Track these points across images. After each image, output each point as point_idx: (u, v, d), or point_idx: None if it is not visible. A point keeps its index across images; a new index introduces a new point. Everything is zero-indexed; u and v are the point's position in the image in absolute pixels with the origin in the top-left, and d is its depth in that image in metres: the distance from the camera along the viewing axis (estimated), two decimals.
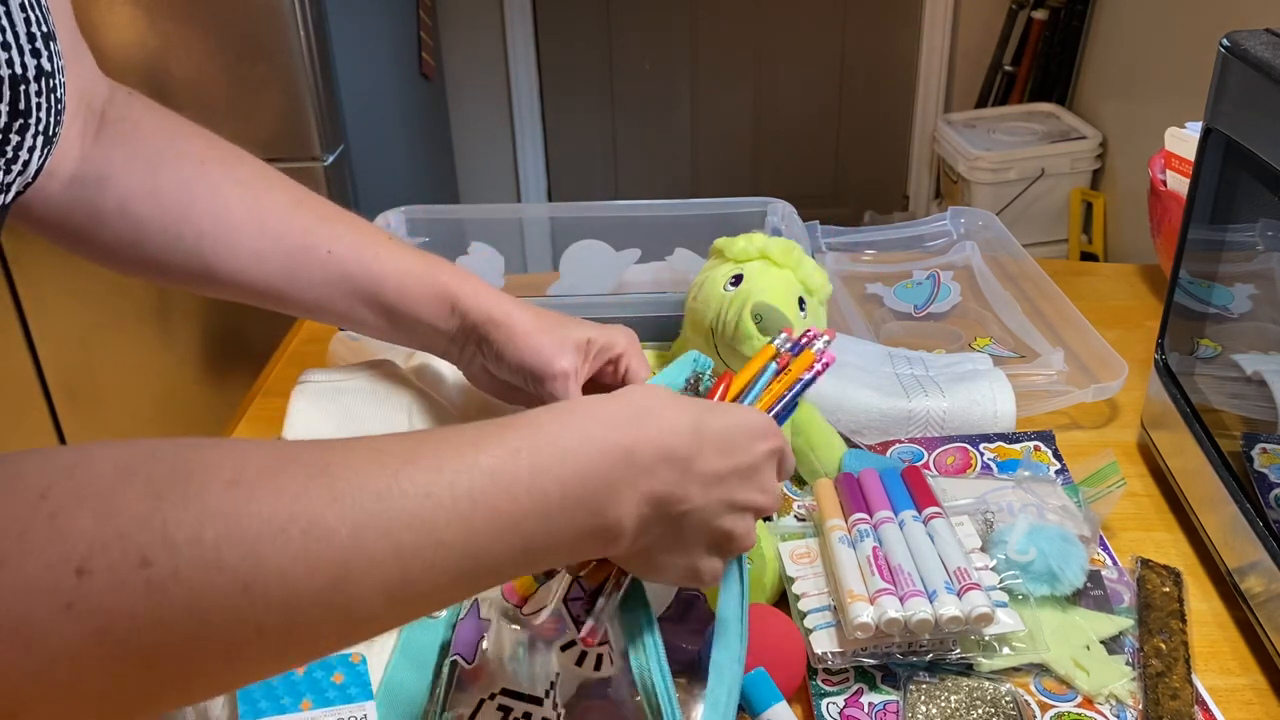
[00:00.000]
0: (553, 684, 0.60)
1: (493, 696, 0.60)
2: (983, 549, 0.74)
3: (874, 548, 0.71)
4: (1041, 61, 2.52)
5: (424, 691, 0.63)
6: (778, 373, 0.62)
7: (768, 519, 0.58)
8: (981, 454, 0.88)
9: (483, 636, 0.62)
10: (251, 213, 0.65)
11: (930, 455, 0.88)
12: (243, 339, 1.92)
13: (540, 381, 0.68)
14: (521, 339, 0.67)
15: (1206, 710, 0.67)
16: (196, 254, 0.64)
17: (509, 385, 0.71)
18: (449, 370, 0.85)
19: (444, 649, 0.65)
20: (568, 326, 0.70)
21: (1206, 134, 0.79)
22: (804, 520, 0.81)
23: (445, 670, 0.62)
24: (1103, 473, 0.81)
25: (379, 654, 0.64)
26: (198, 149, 0.66)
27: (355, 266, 0.67)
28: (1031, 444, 0.89)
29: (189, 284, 0.67)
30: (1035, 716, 0.66)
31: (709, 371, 0.63)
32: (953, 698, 0.66)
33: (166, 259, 0.65)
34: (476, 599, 0.64)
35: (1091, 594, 0.74)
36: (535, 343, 0.67)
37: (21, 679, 0.32)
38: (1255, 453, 0.74)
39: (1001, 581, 0.72)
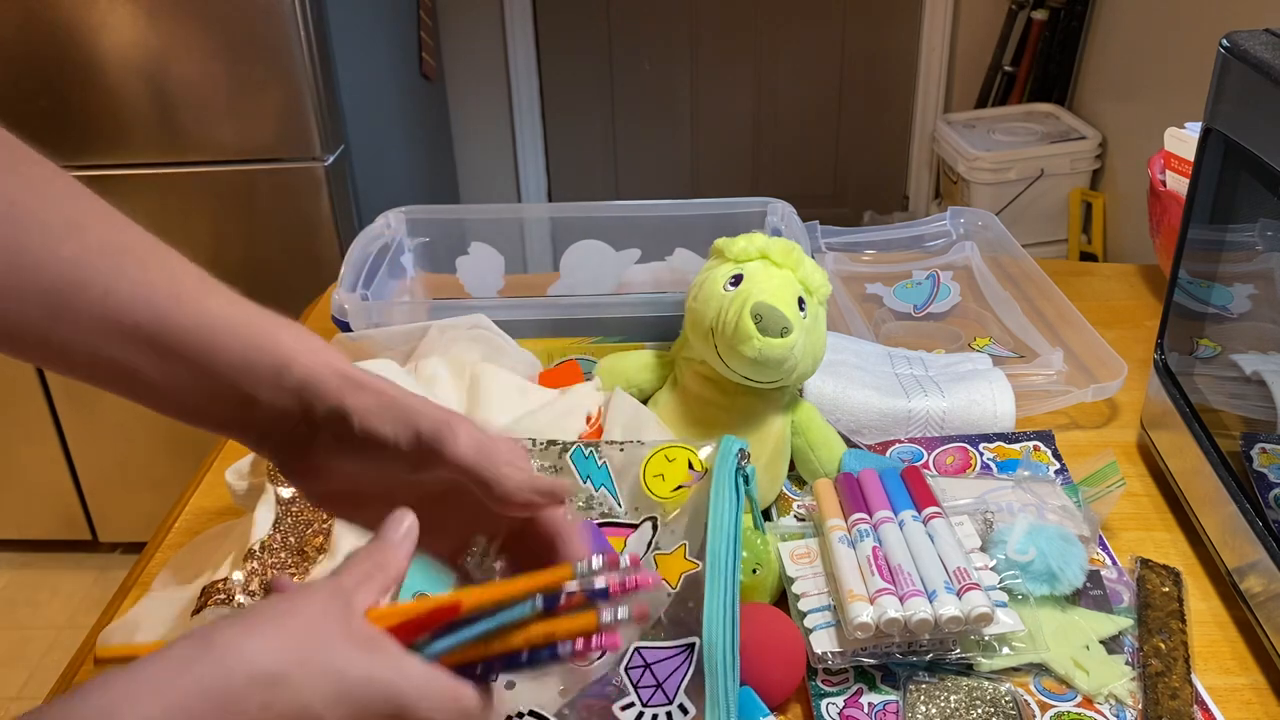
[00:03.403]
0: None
1: (520, 716, 0.60)
2: (983, 549, 0.74)
3: (874, 548, 0.71)
4: (1041, 62, 2.51)
5: None
6: (541, 615, 0.43)
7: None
8: (981, 454, 0.88)
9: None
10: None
11: (930, 455, 0.88)
12: None
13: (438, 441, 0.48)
14: (402, 398, 0.50)
15: (1206, 710, 0.67)
16: None
17: (347, 489, 0.51)
18: (447, 371, 0.85)
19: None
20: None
21: (1206, 134, 0.79)
22: (804, 520, 0.82)
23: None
24: (1102, 473, 0.81)
25: None
26: None
27: (144, 311, 0.48)
28: (1031, 444, 0.89)
29: None
30: (1035, 716, 0.66)
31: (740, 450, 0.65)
32: (952, 698, 0.66)
33: None
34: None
35: (1091, 594, 0.74)
36: (426, 406, 0.50)
37: None
38: (1255, 453, 0.74)
39: (1001, 581, 0.72)
